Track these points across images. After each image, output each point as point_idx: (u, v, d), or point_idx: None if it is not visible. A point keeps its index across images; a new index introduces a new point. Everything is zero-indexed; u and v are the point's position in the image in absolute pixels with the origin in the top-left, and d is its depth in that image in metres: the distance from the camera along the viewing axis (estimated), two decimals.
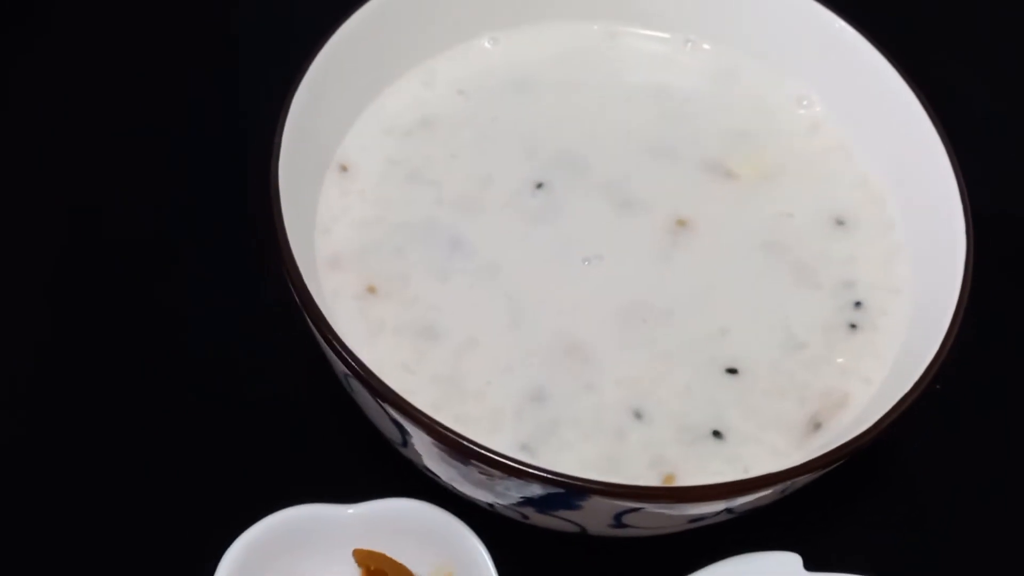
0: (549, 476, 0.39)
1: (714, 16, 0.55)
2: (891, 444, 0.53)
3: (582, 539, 0.47)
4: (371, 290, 0.47)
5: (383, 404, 0.41)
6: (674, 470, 0.44)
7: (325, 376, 0.49)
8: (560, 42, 0.55)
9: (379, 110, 0.53)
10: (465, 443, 0.40)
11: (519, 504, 0.43)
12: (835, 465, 0.42)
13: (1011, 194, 0.61)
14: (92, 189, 0.59)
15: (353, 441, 0.51)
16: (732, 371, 0.46)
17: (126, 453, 0.51)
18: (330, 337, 0.41)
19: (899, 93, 0.51)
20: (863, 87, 0.52)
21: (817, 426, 0.45)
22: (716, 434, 0.45)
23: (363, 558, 0.48)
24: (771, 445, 0.44)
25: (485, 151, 0.52)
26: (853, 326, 0.48)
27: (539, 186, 0.51)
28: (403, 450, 0.45)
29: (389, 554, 0.48)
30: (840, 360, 0.47)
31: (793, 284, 0.49)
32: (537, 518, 0.44)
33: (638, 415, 0.45)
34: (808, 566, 0.46)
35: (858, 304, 0.49)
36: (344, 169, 0.51)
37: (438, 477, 0.45)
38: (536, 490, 0.41)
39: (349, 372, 0.41)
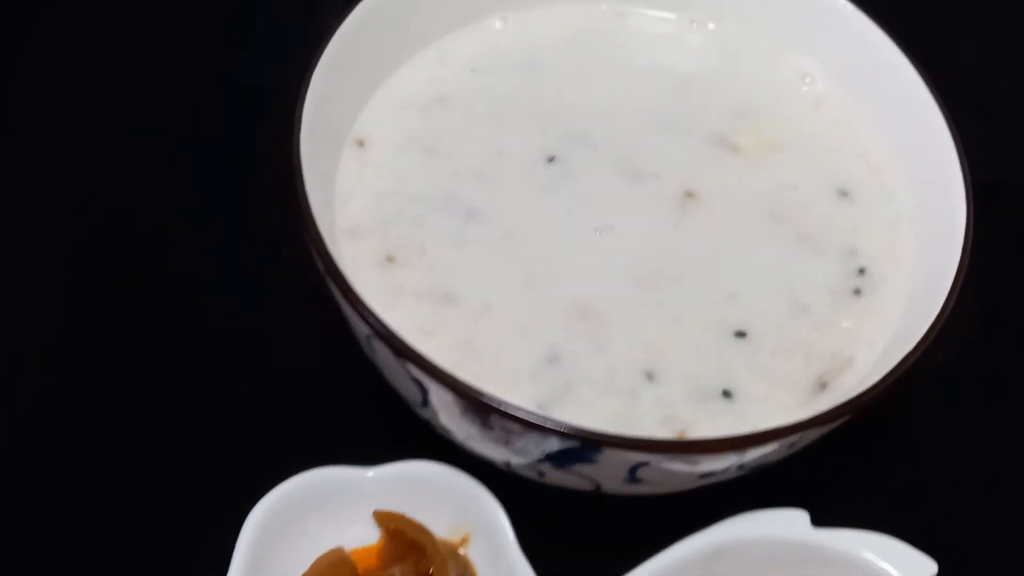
0: (565, 429, 0.41)
1: None
2: (895, 409, 0.55)
3: (596, 498, 0.48)
4: (389, 258, 0.49)
5: (405, 363, 0.42)
6: (685, 427, 0.45)
7: (345, 344, 0.50)
8: (569, 22, 0.57)
9: (394, 88, 0.54)
10: (485, 399, 0.41)
11: (536, 460, 0.44)
12: (840, 421, 0.43)
13: (1010, 165, 0.63)
14: (97, 177, 0.60)
15: (372, 407, 0.53)
16: (740, 334, 0.48)
17: (154, 422, 0.53)
18: (353, 300, 0.43)
19: (900, 68, 0.52)
20: (865, 63, 0.54)
21: (823, 386, 0.47)
22: (726, 394, 0.46)
23: (383, 518, 0.49)
24: (779, 404, 0.46)
25: (497, 126, 0.53)
26: (857, 291, 0.50)
27: (551, 159, 0.52)
28: (422, 411, 0.46)
29: (408, 514, 0.49)
30: (845, 324, 0.48)
31: (798, 252, 0.50)
32: (553, 475, 0.45)
33: (650, 376, 0.46)
34: (815, 523, 0.48)
35: (862, 271, 0.50)
36: (361, 144, 0.52)
37: (455, 437, 0.46)
38: (553, 444, 0.42)
39: (372, 333, 0.43)
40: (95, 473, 0.51)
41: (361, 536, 0.49)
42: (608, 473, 0.44)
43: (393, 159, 0.52)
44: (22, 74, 0.63)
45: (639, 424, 0.45)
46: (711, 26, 0.57)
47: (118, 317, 0.55)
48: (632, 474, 0.43)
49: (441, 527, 0.49)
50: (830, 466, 0.52)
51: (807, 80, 0.56)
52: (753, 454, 0.43)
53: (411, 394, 0.45)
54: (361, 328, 0.43)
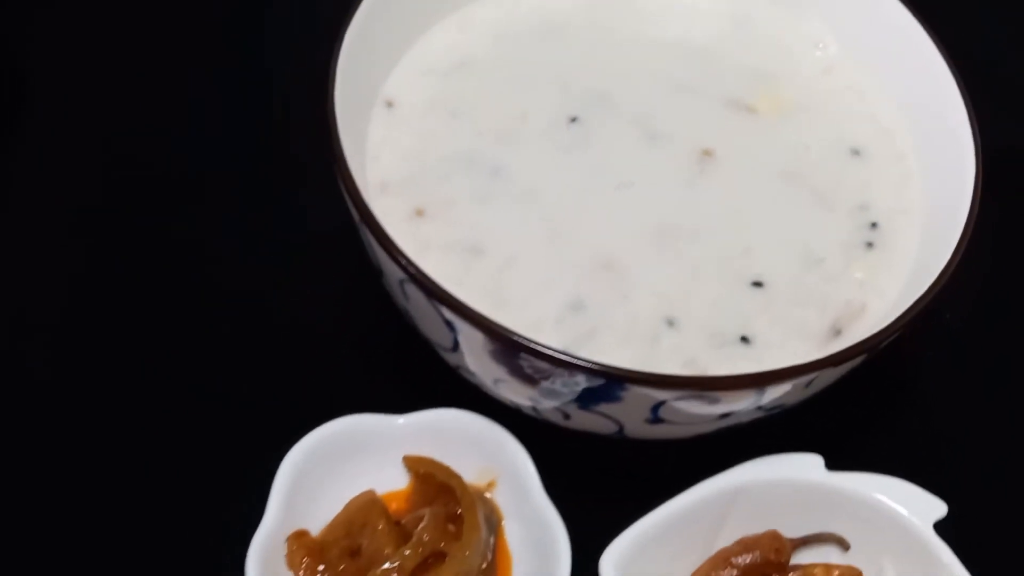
0: (592, 366, 0.43)
1: None
2: (905, 362, 0.57)
3: (619, 443, 0.50)
4: (418, 212, 0.51)
5: (437, 305, 0.44)
6: (705, 370, 0.47)
7: (376, 301, 0.52)
8: None
9: (420, 53, 0.56)
10: (515, 337, 0.43)
11: (562, 401, 0.46)
12: (853, 362, 0.45)
13: (1020, 130, 0.64)
14: (97, 176, 0.61)
15: (402, 360, 0.55)
16: (757, 284, 0.50)
17: (197, 373, 0.55)
18: (388, 245, 0.45)
19: (911, 33, 0.54)
20: (876, 28, 0.56)
21: (837, 332, 0.49)
22: (743, 339, 0.48)
23: (412, 463, 0.51)
24: (794, 349, 0.48)
25: (520, 89, 0.55)
26: (869, 245, 0.51)
27: (572, 120, 0.54)
28: (451, 356, 0.48)
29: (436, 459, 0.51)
30: (858, 275, 0.50)
31: (812, 207, 0.52)
32: (578, 417, 0.47)
33: (670, 323, 0.48)
34: (830, 467, 0.49)
35: (874, 225, 0.52)
36: (389, 105, 0.54)
37: (483, 381, 0.48)
38: (579, 383, 0.44)
39: (406, 277, 0.45)
40: (157, 409, 0.54)
41: (392, 481, 0.51)
42: (631, 412, 0.45)
43: (420, 120, 0.54)
44: (22, 74, 0.63)
45: (660, 367, 0.46)
46: None
47: (131, 294, 0.57)
48: (655, 413, 0.45)
49: (468, 472, 0.50)
50: (843, 415, 0.53)
51: (820, 45, 0.58)
52: (771, 394, 0.45)
53: (441, 338, 0.47)
54: (395, 273, 0.45)
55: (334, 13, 0.51)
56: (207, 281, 0.57)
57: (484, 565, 0.49)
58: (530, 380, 0.45)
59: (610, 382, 0.43)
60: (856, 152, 0.54)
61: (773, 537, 0.49)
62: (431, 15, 0.57)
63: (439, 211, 0.51)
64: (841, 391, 0.50)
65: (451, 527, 0.49)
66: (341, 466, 0.50)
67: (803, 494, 0.49)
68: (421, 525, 0.48)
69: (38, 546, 0.50)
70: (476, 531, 0.48)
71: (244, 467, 0.50)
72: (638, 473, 0.51)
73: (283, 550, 0.48)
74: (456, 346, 0.46)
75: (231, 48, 0.66)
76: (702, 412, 0.46)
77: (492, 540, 0.50)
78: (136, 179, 0.60)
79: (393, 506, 0.51)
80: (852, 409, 0.54)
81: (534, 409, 0.49)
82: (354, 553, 0.49)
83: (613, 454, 0.52)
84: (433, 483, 0.50)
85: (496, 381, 0.47)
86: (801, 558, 0.50)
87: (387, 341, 0.56)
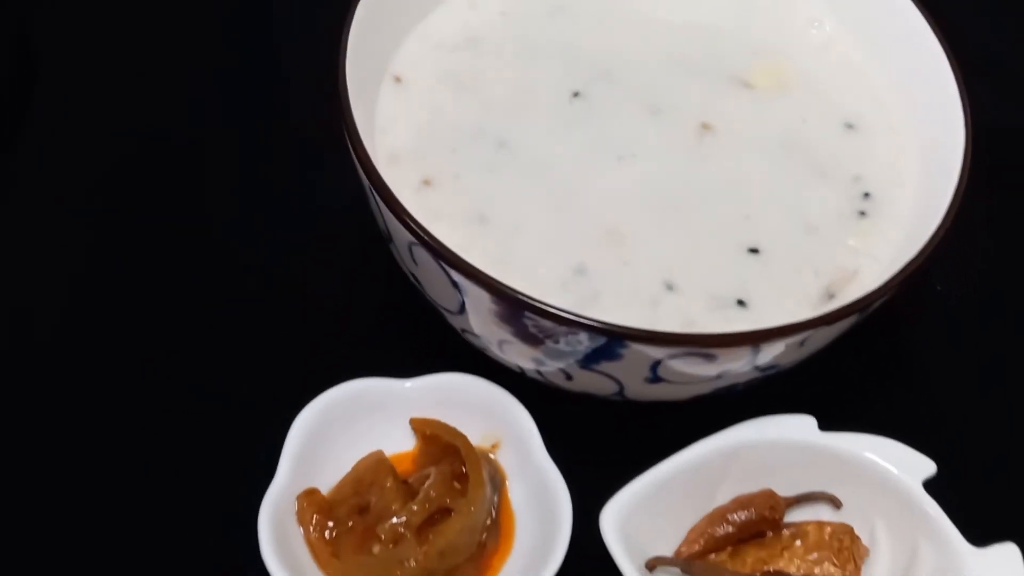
0: (594, 323, 0.44)
1: None
2: (897, 329, 0.58)
3: (619, 405, 0.52)
4: (426, 183, 0.52)
5: (445, 267, 0.46)
6: (702, 331, 0.49)
7: (383, 271, 0.54)
8: None
9: (428, 29, 0.58)
10: (520, 296, 0.45)
11: (564, 361, 0.48)
12: (846, 321, 0.47)
13: (1010, 103, 0.66)
14: (98, 175, 0.62)
15: (409, 325, 0.57)
16: (754, 251, 0.51)
17: (212, 339, 0.56)
18: (397, 209, 0.46)
19: (905, 11, 0.56)
20: (872, 6, 0.57)
21: (831, 296, 0.50)
22: (740, 303, 0.50)
23: (419, 425, 0.53)
24: (790, 312, 0.49)
25: (526, 65, 0.57)
26: (863, 214, 0.53)
27: (576, 95, 0.56)
28: (457, 319, 0.50)
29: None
30: (851, 242, 0.52)
31: (808, 178, 0.54)
32: (580, 377, 0.49)
33: (670, 287, 0.50)
34: (822, 427, 0.51)
35: (867, 195, 0.54)
36: (398, 80, 0.56)
37: (488, 344, 0.50)
38: (582, 341, 0.45)
39: (415, 240, 0.46)
40: (168, 370, 0.55)
41: (399, 443, 0.53)
42: (631, 371, 0.47)
43: (428, 94, 0.55)
44: (21, 74, 0.64)
45: (660, 327, 0.48)
46: None
47: (131, 294, 0.58)
48: (654, 372, 0.47)
49: (473, 435, 0.52)
50: (836, 378, 0.55)
51: (816, 23, 0.59)
52: (766, 353, 0.46)
53: (448, 301, 0.49)
54: (404, 237, 0.47)
55: (334, 13, 0.52)
56: (209, 276, 0.58)
57: (488, 522, 0.50)
58: (534, 340, 0.47)
59: (611, 340, 0.45)
60: (851, 125, 0.56)
61: (768, 495, 0.51)
62: None
63: (447, 181, 0.52)
64: (834, 356, 0.52)
65: (457, 485, 0.51)
66: (350, 428, 0.52)
67: (797, 454, 0.51)
68: (428, 482, 0.50)
69: (42, 533, 0.51)
70: (481, 487, 0.49)
71: (257, 429, 0.52)
72: (637, 435, 0.53)
73: (293, 508, 0.50)
74: (462, 308, 0.48)
75: (231, 48, 0.67)
76: (700, 371, 0.47)
77: (496, 499, 0.51)
78: (136, 179, 0.61)
79: (400, 467, 0.52)
80: (845, 373, 0.55)
81: (538, 371, 0.50)
82: (362, 510, 0.50)
83: (613, 417, 0.53)
84: (439, 444, 0.52)
85: (501, 343, 0.49)
86: (795, 516, 0.51)
87: (395, 309, 0.58)
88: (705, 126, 0.55)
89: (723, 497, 0.51)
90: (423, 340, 0.55)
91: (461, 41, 0.57)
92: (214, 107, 0.64)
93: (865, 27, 0.58)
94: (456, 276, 0.46)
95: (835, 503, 0.51)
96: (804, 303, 0.50)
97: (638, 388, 0.49)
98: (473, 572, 0.49)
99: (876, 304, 0.47)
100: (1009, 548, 0.49)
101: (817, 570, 0.50)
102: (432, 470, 0.51)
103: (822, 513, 0.51)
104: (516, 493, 0.51)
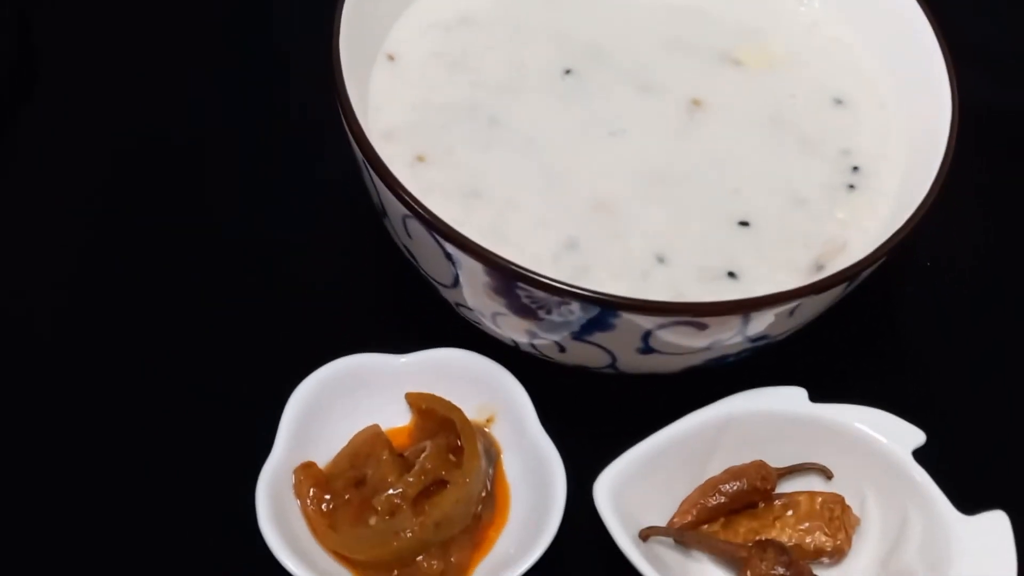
0: (586, 293, 0.45)
1: None
2: (887, 302, 0.59)
3: (612, 378, 0.52)
4: (420, 159, 0.53)
5: (439, 239, 0.46)
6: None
7: (377, 248, 0.55)
8: None
9: (421, 9, 0.58)
10: (514, 267, 0.45)
11: (557, 333, 0.48)
12: (834, 290, 0.47)
13: (997, 82, 0.67)
14: (98, 175, 0.62)
15: (403, 301, 0.58)
16: (744, 224, 0.52)
17: (208, 319, 0.57)
18: (391, 183, 0.47)
19: None
20: None
21: (820, 267, 0.51)
22: (731, 275, 0.51)
23: (415, 399, 0.53)
24: (780, 283, 0.50)
25: (518, 44, 0.57)
26: (851, 187, 0.54)
27: (567, 72, 0.56)
28: (451, 292, 0.50)
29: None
30: (840, 215, 0.53)
31: (797, 152, 0.54)
32: (573, 349, 0.49)
33: (661, 259, 0.51)
34: (813, 399, 0.52)
35: (855, 169, 0.54)
36: (391, 58, 0.56)
37: (482, 317, 0.50)
38: (574, 311, 0.46)
39: (409, 213, 0.47)
40: (169, 345, 0.56)
41: (395, 418, 0.53)
42: (623, 342, 0.48)
43: (421, 72, 0.56)
44: (21, 74, 0.64)
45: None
46: None
47: (131, 294, 0.58)
48: (645, 342, 0.47)
49: (468, 409, 0.52)
50: (826, 351, 0.56)
51: (805, 2, 0.60)
52: (756, 322, 0.47)
53: (442, 275, 0.49)
54: (398, 211, 0.48)
55: (334, 13, 0.52)
56: (207, 262, 0.58)
57: (483, 494, 0.51)
58: (528, 312, 0.47)
59: (603, 310, 0.45)
60: (839, 101, 0.57)
61: (760, 466, 0.51)
62: None
63: (440, 157, 0.53)
64: (824, 328, 0.52)
65: (452, 458, 0.51)
66: (346, 403, 0.52)
67: (788, 425, 0.52)
68: (423, 455, 0.50)
69: (45, 523, 0.51)
70: (476, 460, 0.50)
71: (254, 404, 0.52)
72: (630, 407, 0.53)
73: (291, 481, 0.50)
74: (456, 281, 0.49)
75: (231, 48, 0.67)
76: (691, 342, 0.48)
77: (491, 472, 0.52)
78: (136, 179, 0.61)
79: (396, 441, 0.53)
80: (835, 345, 0.56)
81: (531, 344, 0.51)
82: (359, 483, 0.51)
83: (607, 389, 0.54)
84: (434, 418, 0.52)
85: (495, 316, 0.49)
86: (786, 487, 0.52)
87: (389, 285, 0.59)
88: (695, 102, 0.56)
89: (715, 468, 0.51)
90: (417, 315, 0.56)
91: (453, 21, 0.58)
92: (214, 107, 0.64)
93: (853, 4, 0.59)
94: (450, 248, 0.46)
95: (826, 473, 0.52)
96: (794, 275, 0.50)
97: (630, 359, 0.49)
98: (468, 543, 0.50)
99: (864, 274, 0.48)
100: (998, 515, 0.49)
101: (809, 539, 0.50)
102: (428, 443, 0.51)
103: (813, 483, 0.52)
104: (511, 466, 0.52)
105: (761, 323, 0.47)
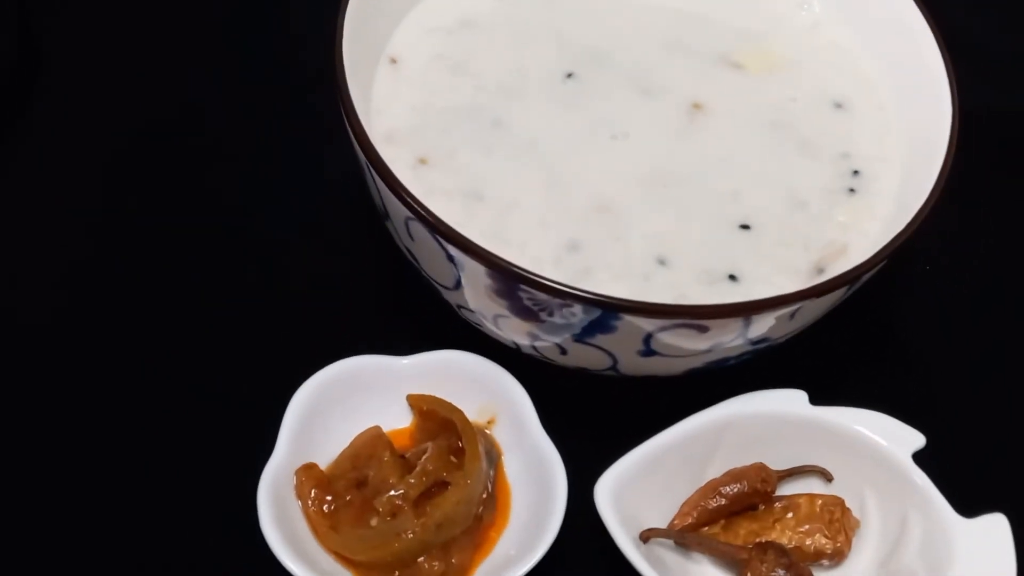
0: (587, 295, 0.45)
1: None
2: (887, 307, 0.59)
3: (613, 380, 0.52)
4: (422, 161, 0.53)
5: (442, 241, 0.46)
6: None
7: (379, 252, 0.55)
8: None
9: (423, 12, 0.58)
10: (515, 268, 0.45)
11: (559, 335, 0.48)
12: (834, 294, 0.47)
13: (996, 85, 0.67)
14: (98, 176, 0.62)
15: (405, 303, 0.58)
16: (745, 227, 0.52)
17: (208, 320, 0.57)
18: (394, 185, 0.47)
19: None
20: None
21: (820, 271, 0.51)
22: (732, 278, 0.51)
23: (416, 400, 0.53)
24: (780, 286, 0.50)
25: (520, 47, 0.58)
26: (851, 190, 0.54)
27: (569, 75, 0.56)
28: (452, 294, 0.50)
29: None
30: (840, 218, 0.53)
31: (797, 155, 0.55)
32: (574, 351, 0.49)
33: (662, 262, 0.51)
34: (813, 401, 0.52)
35: (855, 172, 0.55)
36: (393, 61, 0.56)
37: (484, 319, 0.51)
38: (576, 314, 0.46)
39: (412, 215, 0.47)
40: (171, 343, 0.56)
41: (396, 419, 0.54)
42: (625, 344, 0.48)
43: (423, 75, 0.56)
44: (21, 74, 0.64)
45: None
46: None
47: (131, 294, 0.58)
48: (647, 345, 0.47)
49: (469, 410, 0.53)
50: (826, 354, 0.56)
51: (804, 5, 0.60)
52: (757, 325, 0.47)
53: (444, 277, 0.49)
54: (400, 213, 0.48)
55: (334, 13, 0.52)
56: (208, 264, 0.58)
57: (484, 496, 0.51)
58: (529, 314, 0.48)
59: (605, 312, 0.46)
60: (839, 104, 0.57)
61: (760, 468, 0.51)
62: None
63: (442, 160, 0.53)
64: (825, 331, 0.53)
65: (453, 459, 0.51)
66: (347, 405, 0.52)
67: (788, 428, 0.52)
68: (425, 456, 0.51)
69: (44, 529, 0.51)
70: (477, 460, 0.50)
71: (257, 406, 0.52)
72: (631, 409, 0.54)
73: (292, 482, 0.50)
74: (458, 284, 0.49)
75: (231, 48, 0.67)
76: (692, 345, 0.48)
77: (492, 473, 0.52)
78: (136, 179, 0.61)
79: (398, 443, 0.53)
80: (835, 348, 0.56)
81: (533, 346, 0.51)
82: (360, 484, 0.51)
83: (608, 391, 0.54)
84: (436, 419, 0.52)
85: (497, 318, 0.50)
86: (786, 489, 0.52)
87: (391, 288, 0.59)
88: (696, 105, 0.56)
89: (716, 470, 0.52)
90: (419, 317, 0.56)
91: (456, 24, 0.58)
92: (214, 107, 0.64)
93: (852, 7, 0.59)
94: (452, 250, 0.46)
95: (826, 476, 0.52)
96: (794, 278, 0.51)
97: (632, 362, 0.49)
98: (469, 545, 0.50)
99: (864, 277, 0.48)
100: (997, 518, 0.49)
101: (809, 541, 0.51)
102: (429, 445, 0.52)
103: (813, 486, 0.52)
104: (512, 467, 0.52)
105: (762, 326, 0.47)
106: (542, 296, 0.46)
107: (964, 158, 0.52)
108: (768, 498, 0.51)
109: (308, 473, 0.51)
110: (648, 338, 0.47)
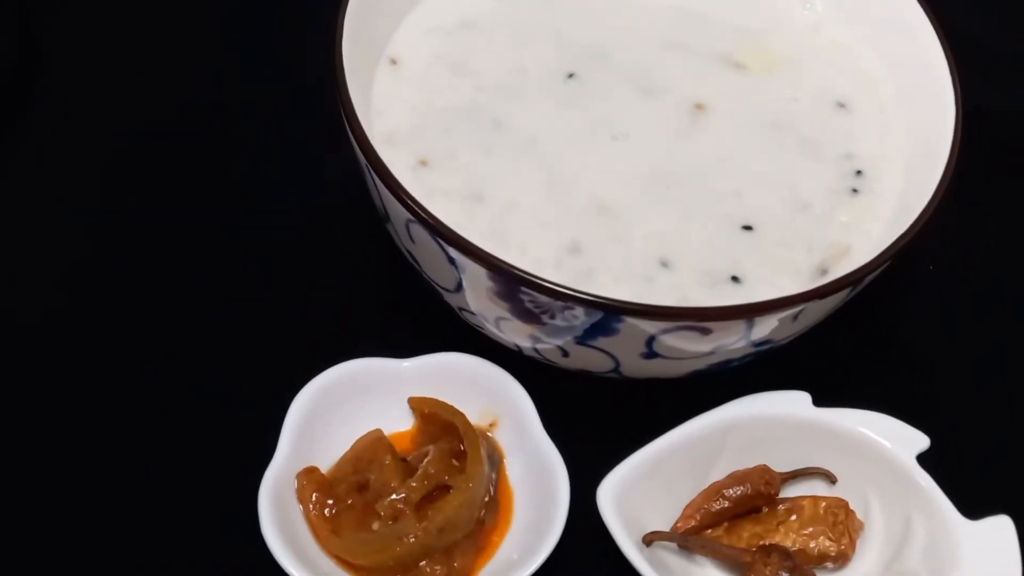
0: (589, 298, 0.45)
1: None
2: (890, 308, 0.59)
3: (616, 382, 0.52)
4: (423, 162, 0.53)
5: (443, 244, 0.46)
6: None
7: (380, 255, 0.55)
8: None
9: (423, 13, 0.58)
10: (517, 271, 0.45)
11: (561, 337, 0.48)
12: (837, 295, 0.47)
13: (998, 83, 0.67)
14: (98, 177, 0.62)
15: (406, 306, 0.57)
16: (747, 227, 0.52)
17: (209, 323, 0.57)
18: (394, 187, 0.47)
19: None
20: None
21: (823, 272, 0.51)
22: (734, 279, 0.50)
23: (417, 403, 0.53)
24: (783, 288, 0.50)
25: (520, 47, 0.57)
26: (854, 191, 0.54)
27: (570, 76, 0.56)
28: (454, 297, 0.50)
29: None
30: (843, 219, 0.53)
31: (800, 155, 0.54)
32: (576, 353, 0.49)
33: (664, 263, 0.50)
34: (817, 403, 0.52)
35: (858, 172, 0.54)
36: (393, 62, 0.56)
37: (485, 321, 0.50)
38: (578, 316, 0.46)
39: (412, 218, 0.47)
40: (171, 342, 0.56)
41: (397, 422, 0.53)
42: (627, 347, 0.47)
43: (423, 76, 0.56)
44: (21, 75, 0.64)
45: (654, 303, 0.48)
46: None
47: (131, 294, 0.58)
48: (649, 347, 0.47)
49: (471, 413, 0.52)
50: (830, 356, 0.56)
51: (806, 5, 0.60)
52: (760, 327, 0.47)
53: (445, 279, 0.49)
54: (401, 216, 0.47)
55: (334, 13, 0.52)
56: (208, 266, 0.58)
57: (487, 499, 0.51)
58: (531, 317, 0.47)
59: (607, 315, 0.45)
60: (841, 104, 0.57)
61: (763, 471, 0.51)
62: None
63: (442, 161, 0.53)
64: (828, 333, 0.52)
65: (455, 462, 0.51)
66: (348, 408, 0.52)
67: (792, 429, 0.51)
68: (427, 459, 0.50)
69: (44, 530, 0.51)
70: (479, 463, 0.50)
71: (258, 409, 0.52)
72: (634, 412, 0.53)
73: (293, 486, 0.50)
74: (459, 286, 0.49)
75: (231, 48, 0.67)
76: (695, 347, 0.48)
77: (494, 476, 0.52)
78: (136, 179, 0.61)
79: (399, 446, 0.52)
80: (838, 350, 0.56)
81: (534, 349, 0.51)
82: (362, 488, 0.51)
83: (610, 394, 0.54)
84: (437, 422, 0.52)
85: (498, 320, 0.49)
86: (790, 491, 0.52)
87: (392, 290, 0.58)
88: (698, 106, 0.56)
89: (719, 473, 0.51)
90: (420, 320, 0.56)
91: (455, 24, 0.58)
92: (214, 107, 0.64)
93: (854, 6, 0.59)
94: (453, 253, 0.46)
95: (830, 478, 0.52)
96: (797, 279, 0.50)
97: (634, 364, 0.49)
98: (472, 548, 0.50)
99: (868, 279, 0.48)
100: (1002, 520, 0.49)
101: (812, 544, 0.50)
102: (431, 448, 0.51)
103: (817, 488, 0.52)
104: (514, 470, 0.52)
105: (765, 328, 0.47)
106: (544, 299, 0.45)
107: (968, 158, 0.52)
108: (772, 500, 0.51)
109: (309, 477, 0.50)
110: (651, 340, 0.47)
